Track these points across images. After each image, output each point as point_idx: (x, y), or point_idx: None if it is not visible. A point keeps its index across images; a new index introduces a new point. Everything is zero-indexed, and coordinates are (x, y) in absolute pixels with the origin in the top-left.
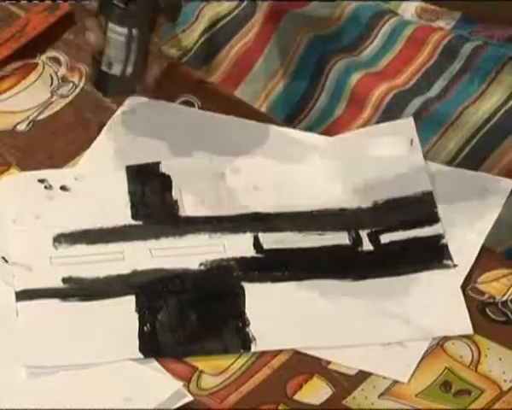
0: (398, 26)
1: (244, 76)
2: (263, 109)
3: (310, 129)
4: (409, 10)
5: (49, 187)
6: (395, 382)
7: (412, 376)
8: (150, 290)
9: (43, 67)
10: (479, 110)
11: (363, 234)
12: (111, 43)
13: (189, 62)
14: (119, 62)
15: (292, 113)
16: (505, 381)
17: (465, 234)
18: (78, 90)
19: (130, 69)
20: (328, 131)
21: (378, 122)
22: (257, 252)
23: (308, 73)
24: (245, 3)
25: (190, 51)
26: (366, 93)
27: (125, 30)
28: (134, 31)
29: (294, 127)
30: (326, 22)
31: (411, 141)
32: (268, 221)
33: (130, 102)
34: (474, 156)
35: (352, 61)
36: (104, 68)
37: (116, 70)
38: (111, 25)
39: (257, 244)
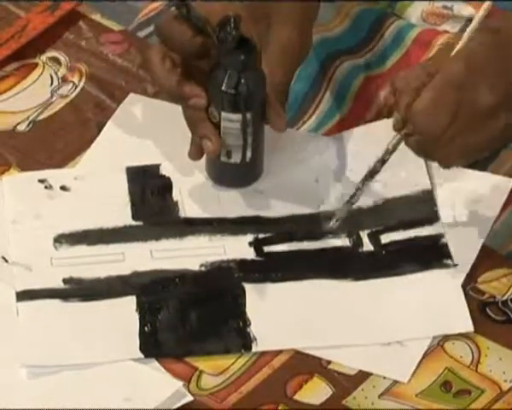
0: (403, 28)
1: None
2: None
3: (314, 130)
4: (414, 14)
5: (49, 187)
6: (395, 382)
7: (412, 376)
8: (151, 291)
9: (43, 67)
10: None
11: (364, 234)
12: (227, 132)
13: None
14: (237, 150)
15: (296, 114)
16: (505, 381)
17: (465, 233)
18: (78, 90)
19: (249, 154)
20: (332, 133)
21: None
22: (257, 254)
23: (312, 75)
24: None
25: None
26: (370, 95)
27: (239, 116)
28: (248, 115)
29: (298, 128)
30: (330, 25)
31: None
32: (268, 223)
33: (130, 102)
34: (477, 161)
35: (356, 62)
36: (223, 159)
37: (236, 158)
38: (224, 114)
39: (257, 246)
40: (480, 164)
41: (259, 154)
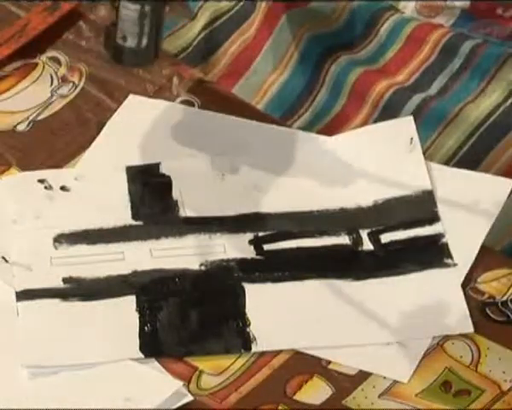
0: (398, 23)
1: (243, 72)
2: (262, 104)
3: (309, 124)
4: (409, 6)
5: (49, 187)
6: (395, 382)
7: (412, 376)
8: (151, 290)
9: (43, 67)
10: (478, 108)
11: (364, 234)
12: (124, 18)
13: (188, 59)
14: (133, 36)
15: (291, 108)
16: (505, 381)
17: (465, 233)
18: (78, 90)
19: (144, 42)
20: (328, 127)
21: (377, 119)
22: (257, 253)
23: (308, 70)
24: (244, 2)
25: (189, 47)
26: (366, 89)
27: (137, 6)
28: (146, 6)
29: (294, 122)
30: (327, 20)
31: (411, 139)
32: (268, 221)
33: (130, 102)
34: (473, 154)
35: (352, 57)
36: (119, 42)
37: (131, 43)
38: (123, 1)
39: (257, 245)
40: (478, 153)
41: (157, 40)
